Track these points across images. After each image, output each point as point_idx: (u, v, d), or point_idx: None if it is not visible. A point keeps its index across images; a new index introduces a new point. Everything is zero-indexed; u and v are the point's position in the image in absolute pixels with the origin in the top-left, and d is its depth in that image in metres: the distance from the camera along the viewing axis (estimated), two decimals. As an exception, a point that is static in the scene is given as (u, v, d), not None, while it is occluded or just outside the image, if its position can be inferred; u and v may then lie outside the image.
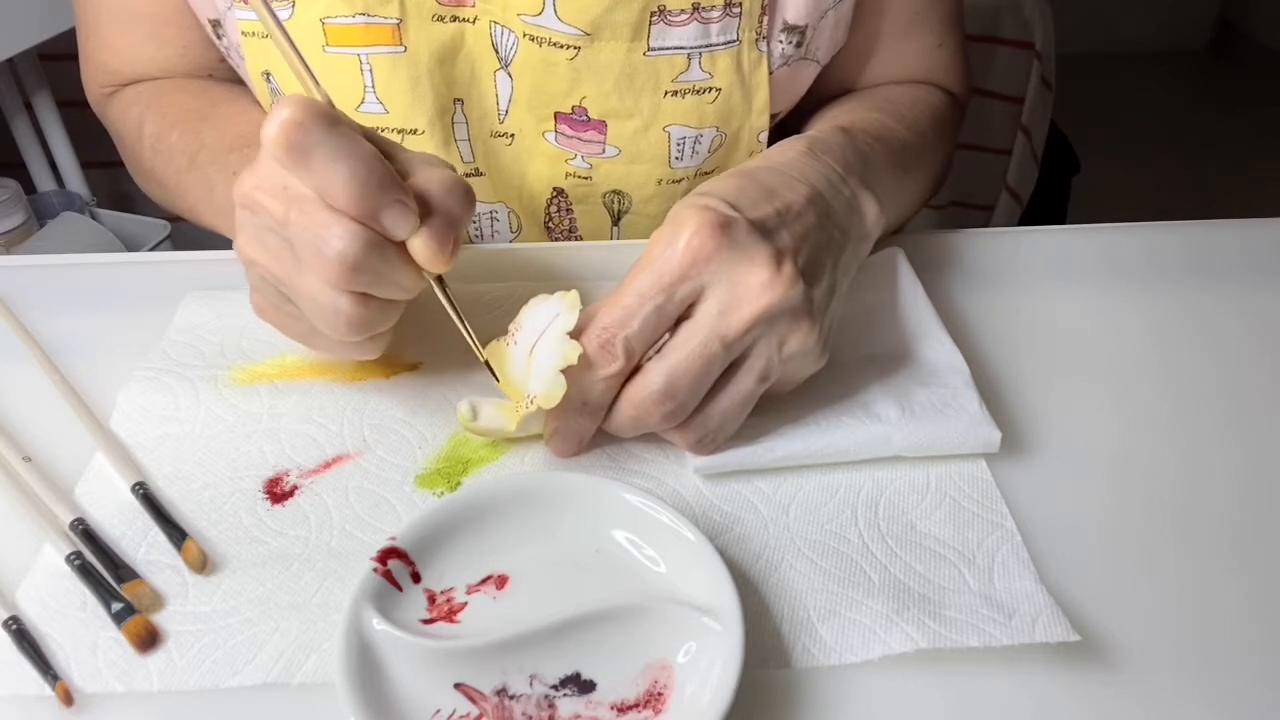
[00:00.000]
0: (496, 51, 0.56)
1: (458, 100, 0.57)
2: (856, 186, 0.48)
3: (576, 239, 0.65)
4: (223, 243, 0.60)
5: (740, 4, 0.54)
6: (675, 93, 0.57)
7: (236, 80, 0.64)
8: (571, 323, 0.41)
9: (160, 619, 0.37)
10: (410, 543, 0.38)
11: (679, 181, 0.61)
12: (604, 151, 0.59)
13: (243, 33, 0.56)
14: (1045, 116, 1.29)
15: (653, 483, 0.44)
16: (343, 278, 0.38)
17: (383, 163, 0.38)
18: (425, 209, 0.39)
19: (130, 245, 1.26)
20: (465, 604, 0.37)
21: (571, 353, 0.40)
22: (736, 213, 0.41)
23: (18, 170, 1.30)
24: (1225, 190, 2.33)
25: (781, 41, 0.57)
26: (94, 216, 1.28)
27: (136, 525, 0.41)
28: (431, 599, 0.37)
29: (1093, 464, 0.46)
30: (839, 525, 0.42)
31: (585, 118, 0.58)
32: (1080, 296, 0.57)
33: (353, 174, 0.37)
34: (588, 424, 0.43)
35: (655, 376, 0.40)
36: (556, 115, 0.58)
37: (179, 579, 0.39)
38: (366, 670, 0.34)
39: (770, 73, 0.57)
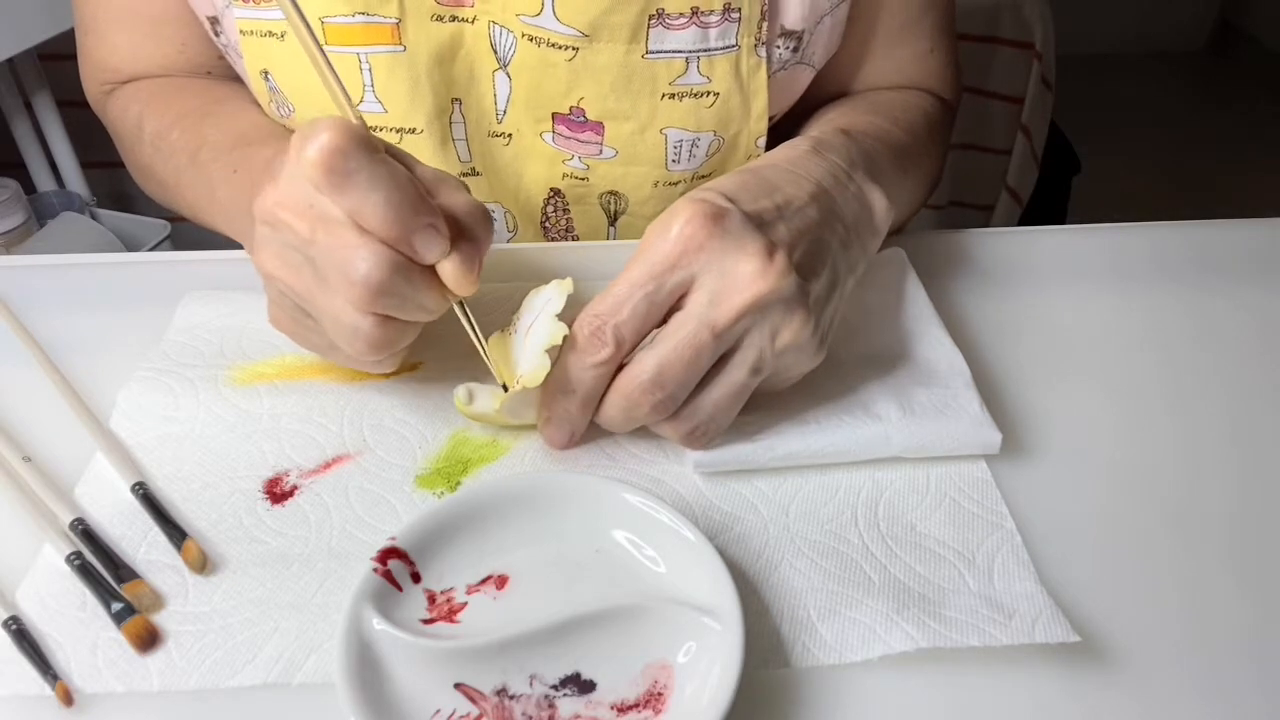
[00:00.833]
0: (495, 51, 0.56)
1: (456, 100, 0.57)
2: (863, 181, 0.48)
3: (573, 239, 0.65)
4: (223, 243, 0.60)
5: (739, 9, 0.54)
6: (673, 96, 0.57)
7: (235, 78, 0.64)
8: (560, 305, 0.42)
9: (160, 619, 0.38)
10: (410, 543, 0.38)
11: (676, 184, 0.61)
12: (601, 153, 0.59)
13: (241, 31, 0.56)
14: (1045, 116, 1.29)
15: (653, 483, 0.44)
16: (367, 300, 0.38)
17: (415, 186, 0.38)
18: (453, 231, 0.40)
19: (130, 245, 1.26)
20: (465, 604, 0.37)
21: (558, 332, 0.40)
22: (732, 205, 0.41)
23: (18, 170, 1.30)
24: (1225, 190, 2.33)
25: (779, 47, 0.57)
26: (94, 216, 1.28)
27: (136, 525, 0.41)
28: (431, 599, 0.37)
29: (1093, 465, 0.46)
30: (839, 525, 0.42)
31: (583, 119, 0.58)
32: (1080, 297, 0.57)
33: (388, 201, 0.37)
34: (578, 413, 0.43)
35: (645, 366, 0.40)
36: (554, 116, 0.58)
37: (179, 579, 0.39)
38: (366, 670, 0.34)
39: (769, 78, 0.58)
